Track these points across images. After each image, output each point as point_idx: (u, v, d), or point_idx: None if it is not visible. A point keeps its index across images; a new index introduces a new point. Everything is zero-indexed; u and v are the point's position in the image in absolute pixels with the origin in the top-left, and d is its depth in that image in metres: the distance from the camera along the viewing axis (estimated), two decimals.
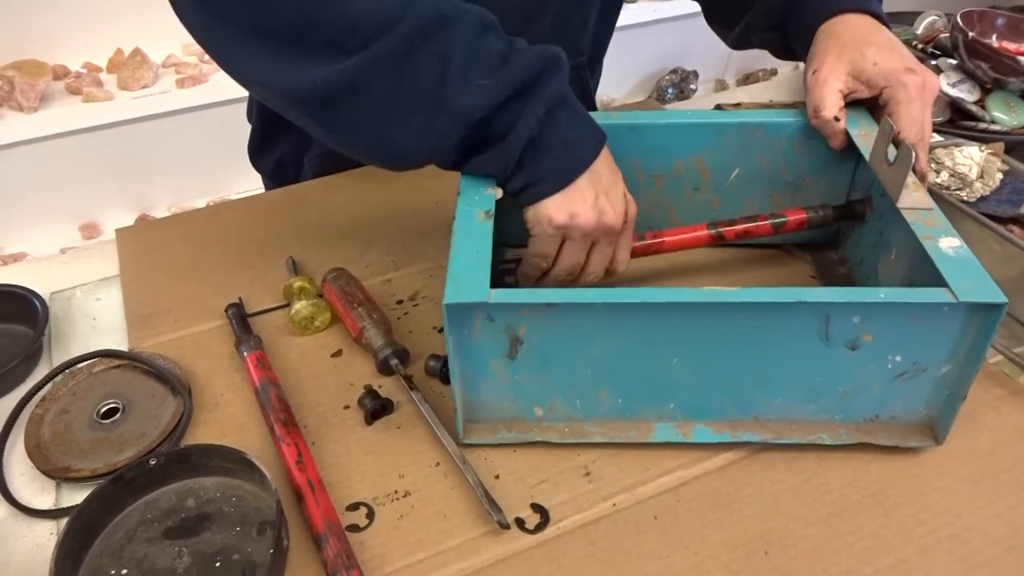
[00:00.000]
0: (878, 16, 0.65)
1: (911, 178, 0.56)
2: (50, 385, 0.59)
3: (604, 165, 0.55)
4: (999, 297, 0.46)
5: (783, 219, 0.63)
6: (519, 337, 0.50)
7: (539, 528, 0.50)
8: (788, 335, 0.49)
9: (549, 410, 0.54)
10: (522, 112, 0.51)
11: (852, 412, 0.53)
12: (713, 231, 0.63)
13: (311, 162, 0.86)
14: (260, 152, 0.90)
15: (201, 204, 1.90)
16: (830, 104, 0.61)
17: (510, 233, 0.59)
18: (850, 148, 0.62)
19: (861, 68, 0.61)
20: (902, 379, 0.51)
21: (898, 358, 0.50)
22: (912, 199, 0.54)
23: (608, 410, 0.54)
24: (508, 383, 0.53)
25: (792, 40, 0.70)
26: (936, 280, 0.48)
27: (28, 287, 0.67)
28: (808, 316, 0.48)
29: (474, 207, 0.54)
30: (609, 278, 0.60)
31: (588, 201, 0.54)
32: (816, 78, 0.62)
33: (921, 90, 0.60)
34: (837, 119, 0.61)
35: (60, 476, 0.53)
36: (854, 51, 0.62)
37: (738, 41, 0.77)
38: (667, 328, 0.49)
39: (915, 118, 0.59)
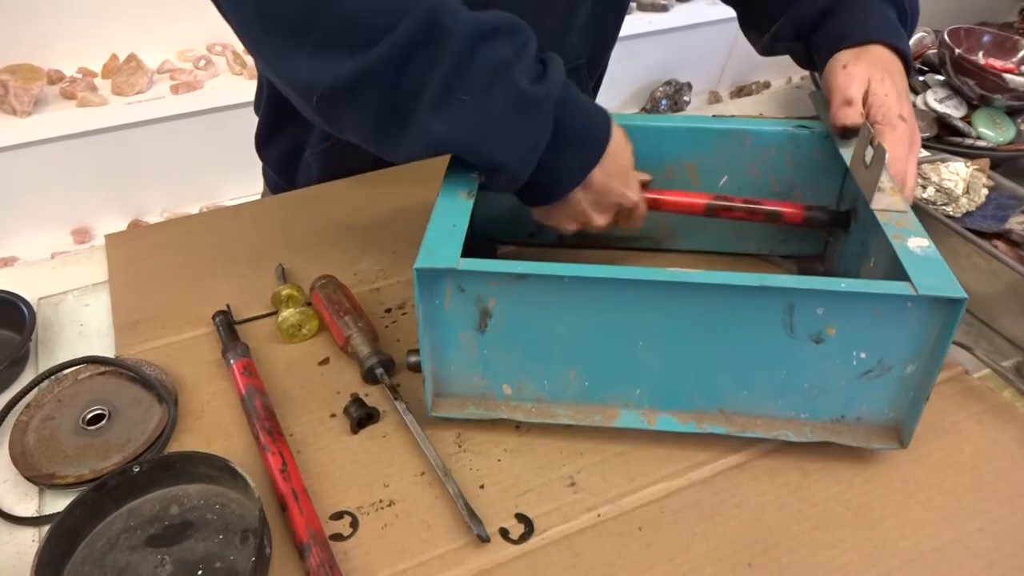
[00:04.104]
0: (904, 58, 0.67)
1: (888, 182, 0.57)
2: (36, 391, 0.59)
3: (596, 180, 0.57)
4: (959, 292, 0.47)
5: (779, 211, 0.63)
6: (488, 310, 0.51)
7: (523, 538, 0.50)
8: (753, 323, 0.50)
9: (517, 389, 0.55)
10: (506, 173, 0.53)
11: (818, 410, 0.54)
12: (710, 204, 0.63)
13: (313, 156, 0.86)
14: (266, 144, 0.91)
15: (194, 210, 1.90)
16: (858, 102, 0.63)
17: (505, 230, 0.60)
18: (837, 160, 0.62)
19: (874, 92, 0.63)
20: (867, 377, 0.51)
21: (863, 354, 0.50)
22: (886, 202, 0.55)
23: (575, 393, 0.55)
24: (477, 357, 0.53)
25: (816, 52, 0.71)
26: (903, 278, 0.48)
27: (16, 292, 0.67)
28: (772, 303, 0.49)
29: (458, 187, 0.56)
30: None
31: (570, 216, 0.59)
32: (847, 72, 0.64)
33: (907, 139, 0.62)
34: (860, 115, 0.63)
35: (45, 482, 0.53)
36: (876, 73, 0.64)
37: (766, 48, 0.79)
38: (633, 307, 0.50)
39: (897, 158, 0.61)
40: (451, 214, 0.53)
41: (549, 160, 0.54)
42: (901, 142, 0.61)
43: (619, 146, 0.58)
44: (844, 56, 0.66)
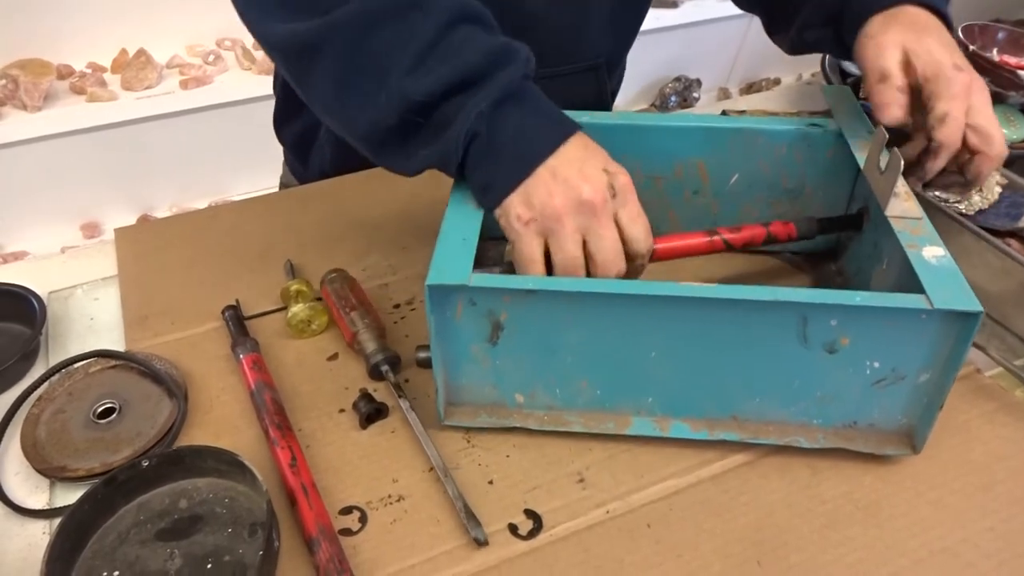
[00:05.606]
0: (941, 14, 0.62)
1: (903, 187, 0.56)
2: (46, 384, 0.59)
3: (574, 150, 0.51)
4: (975, 306, 0.46)
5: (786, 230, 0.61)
6: (500, 323, 0.51)
7: (532, 534, 0.50)
8: (767, 335, 0.49)
9: (530, 397, 0.55)
10: (464, 105, 0.50)
11: (830, 417, 0.53)
12: (715, 238, 0.59)
13: (327, 139, 0.86)
14: (283, 123, 0.91)
15: (203, 205, 1.90)
16: (896, 73, 0.59)
17: None
18: (850, 158, 0.62)
19: (915, 52, 0.59)
20: (880, 386, 0.51)
21: (876, 364, 0.50)
22: (901, 208, 0.55)
23: (587, 401, 0.55)
24: (490, 368, 0.53)
25: (846, 32, 0.67)
26: (917, 288, 0.48)
27: (26, 286, 0.67)
28: (786, 316, 0.48)
29: (467, 197, 0.55)
30: (637, 269, 0.54)
31: (552, 185, 0.50)
32: (876, 43, 0.60)
33: (966, 89, 0.57)
34: (900, 89, 0.59)
35: (56, 475, 0.53)
36: (911, 34, 0.59)
37: (795, 44, 0.75)
38: (645, 321, 0.50)
39: (954, 117, 0.57)
40: (461, 227, 0.53)
41: (521, 120, 0.51)
42: (959, 96, 0.57)
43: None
44: (871, 26, 0.62)
